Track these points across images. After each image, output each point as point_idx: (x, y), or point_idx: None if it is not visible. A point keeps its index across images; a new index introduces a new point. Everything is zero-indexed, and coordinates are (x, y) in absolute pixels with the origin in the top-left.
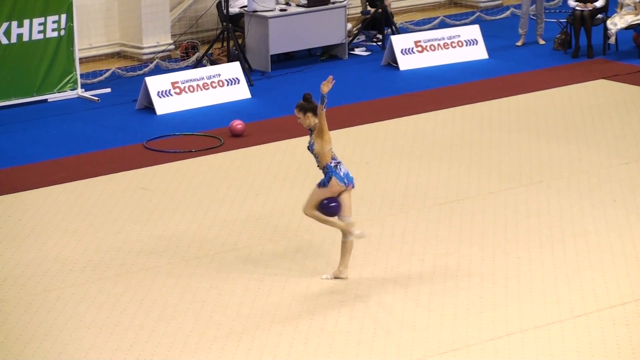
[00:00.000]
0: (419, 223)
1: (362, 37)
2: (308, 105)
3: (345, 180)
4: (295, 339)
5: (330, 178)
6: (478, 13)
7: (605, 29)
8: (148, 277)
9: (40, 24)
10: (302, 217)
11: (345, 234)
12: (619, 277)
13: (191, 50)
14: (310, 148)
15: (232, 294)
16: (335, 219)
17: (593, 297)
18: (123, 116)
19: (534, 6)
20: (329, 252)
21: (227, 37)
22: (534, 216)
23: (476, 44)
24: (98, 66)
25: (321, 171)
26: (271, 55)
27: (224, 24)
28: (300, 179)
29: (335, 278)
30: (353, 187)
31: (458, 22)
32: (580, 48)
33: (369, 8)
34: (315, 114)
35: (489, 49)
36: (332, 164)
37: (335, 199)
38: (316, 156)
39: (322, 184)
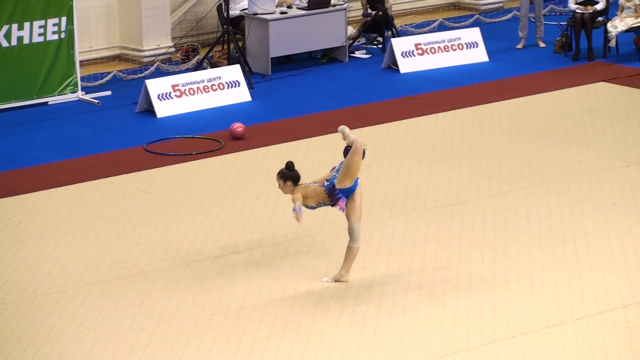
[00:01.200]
0: (420, 226)
1: (362, 40)
2: (289, 174)
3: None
4: (296, 341)
5: (334, 187)
6: (477, 15)
7: (606, 31)
8: (148, 280)
9: (40, 27)
10: (303, 220)
11: (352, 240)
12: (619, 280)
13: (191, 53)
14: (310, 208)
15: (233, 296)
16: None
17: (593, 299)
18: (123, 119)
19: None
20: (329, 254)
21: (227, 40)
22: (534, 219)
23: (476, 46)
24: (98, 69)
25: (334, 201)
26: (271, 58)
27: (225, 26)
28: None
29: (336, 281)
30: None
31: (457, 25)
32: (580, 51)
33: (369, 11)
34: (295, 183)
35: (489, 52)
36: (327, 186)
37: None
38: (318, 205)
39: (347, 198)
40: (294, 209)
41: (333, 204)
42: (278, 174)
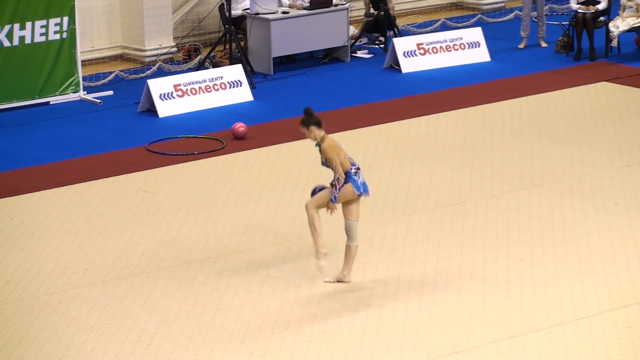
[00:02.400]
0: (422, 226)
1: (364, 40)
2: (310, 120)
3: (362, 189)
4: (298, 341)
5: (347, 183)
6: (479, 15)
7: (608, 31)
8: (150, 280)
9: (42, 27)
10: (304, 220)
11: (350, 238)
12: (620, 280)
13: (193, 52)
14: (324, 165)
15: (235, 297)
16: (319, 234)
17: (595, 299)
18: (125, 119)
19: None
20: (331, 254)
21: (229, 40)
22: (536, 219)
23: (478, 46)
24: (100, 69)
25: (340, 183)
26: (273, 58)
27: (226, 26)
28: (303, 181)
29: (338, 282)
30: (367, 195)
31: (459, 25)
32: (582, 51)
33: (372, 10)
34: (318, 126)
35: (491, 52)
36: (352, 171)
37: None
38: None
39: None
40: (333, 192)
41: (335, 183)
42: (300, 122)
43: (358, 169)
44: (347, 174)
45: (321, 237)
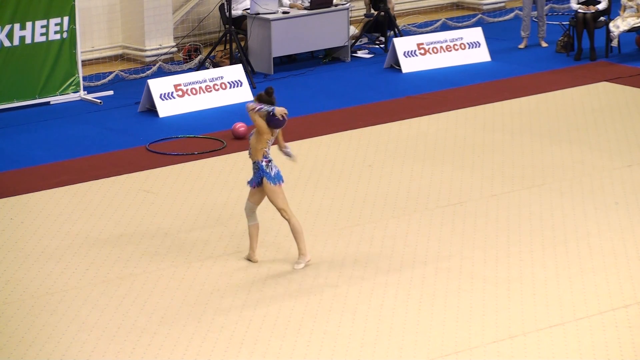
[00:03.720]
0: (422, 226)
1: (364, 40)
2: (260, 97)
3: (276, 180)
4: (298, 341)
5: (262, 178)
6: (479, 15)
7: (608, 31)
8: (150, 279)
9: (42, 27)
10: (305, 220)
11: (249, 218)
12: (621, 280)
13: (194, 52)
14: (249, 138)
15: (235, 296)
16: (302, 240)
17: (595, 299)
18: (126, 119)
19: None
20: (331, 255)
21: (229, 40)
22: (536, 219)
23: (479, 46)
24: (101, 69)
25: (253, 166)
26: (274, 58)
27: (227, 26)
28: (302, 181)
29: (249, 260)
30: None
31: (459, 24)
32: (582, 50)
33: (372, 11)
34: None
35: (491, 52)
36: (263, 163)
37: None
38: (250, 148)
39: (255, 184)
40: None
41: (250, 157)
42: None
43: (270, 160)
44: (259, 165)
45: (302, 243)
